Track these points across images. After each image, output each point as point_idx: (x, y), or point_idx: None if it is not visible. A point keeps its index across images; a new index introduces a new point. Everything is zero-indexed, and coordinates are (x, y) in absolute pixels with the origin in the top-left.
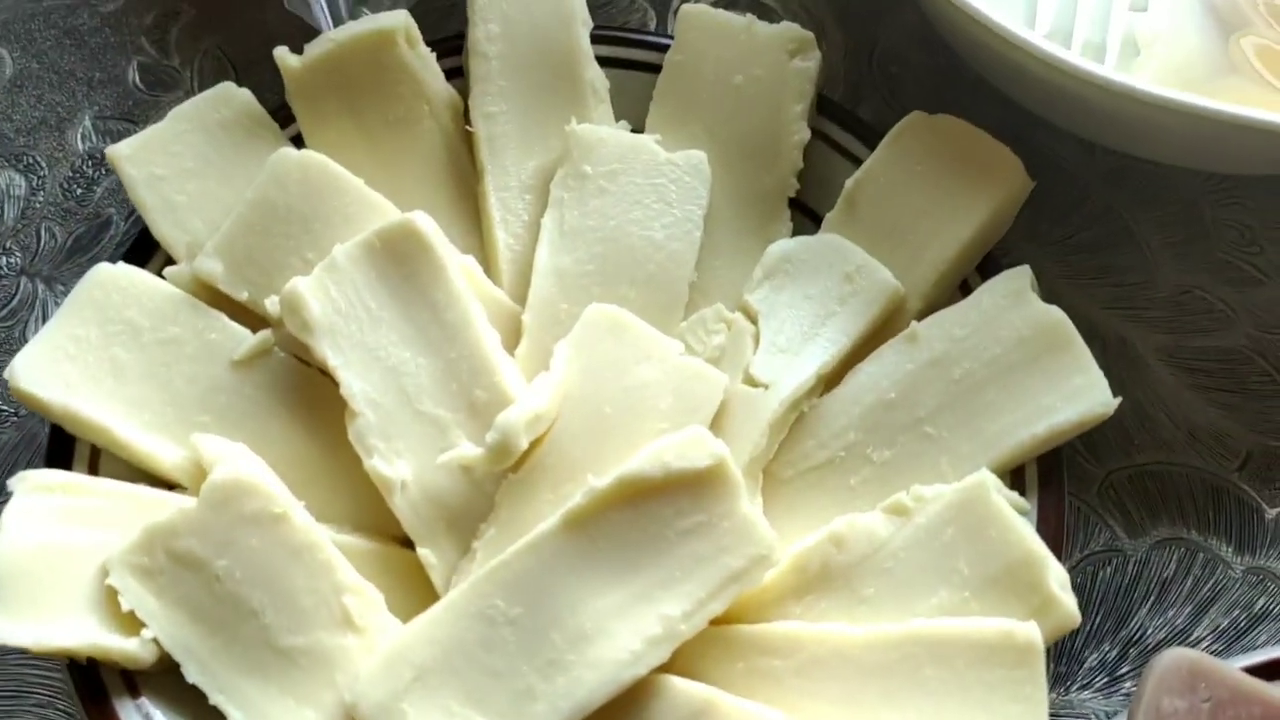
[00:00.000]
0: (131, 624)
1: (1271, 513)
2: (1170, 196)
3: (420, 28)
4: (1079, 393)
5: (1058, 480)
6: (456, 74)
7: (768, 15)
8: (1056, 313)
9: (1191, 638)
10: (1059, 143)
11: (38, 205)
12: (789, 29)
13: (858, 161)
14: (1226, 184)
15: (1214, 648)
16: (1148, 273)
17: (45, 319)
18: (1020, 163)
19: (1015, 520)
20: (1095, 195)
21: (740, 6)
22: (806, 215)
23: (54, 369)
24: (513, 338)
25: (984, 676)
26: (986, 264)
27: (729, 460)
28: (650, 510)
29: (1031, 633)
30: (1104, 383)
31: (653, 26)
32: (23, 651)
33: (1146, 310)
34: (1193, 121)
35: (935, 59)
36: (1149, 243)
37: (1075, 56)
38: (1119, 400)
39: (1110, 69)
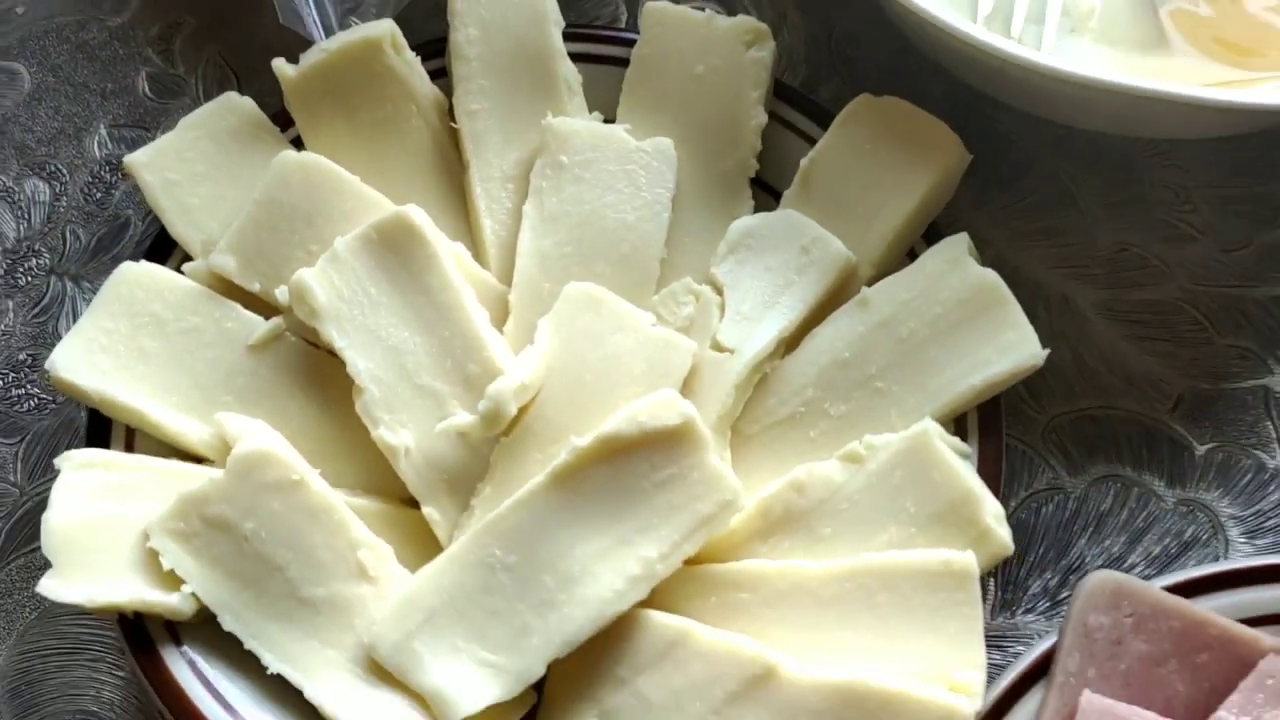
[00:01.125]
0: (172, 581)
1: (1201, 449)
2: (1109, 161)
3: (405, 30)
4: (1012, 346)
5: (996, 426)
6: (441, 74)
7: (731, 3)
8: (991, 275)
9: (1126, 564)
10: (1004, 114)
11: (61, 210)
12: (745, 22)
13: (812, 141)
14: (1162, 147)
15: (1147, 572)
16: (1088, 233)
17: (75, 314)
18: (958, 138)
19: (955, 463)
20: (1039, 163)
21: None
22: (767, 192)
23: (89, 359)
24: (500, 315)
25: (928, 600)
26: (931, 232)
27: (696, 418)
28: (628, 465)
29: (968, 560)
30: (1034, 336)
31: (624, 19)
32: (77, 611)
33: (1087, 268)
34: (1116, 97)
35: (890, 41)
36: (1089, 205)
37: (1007, 43)
38: (1048, 351)
39: (1048, 46)
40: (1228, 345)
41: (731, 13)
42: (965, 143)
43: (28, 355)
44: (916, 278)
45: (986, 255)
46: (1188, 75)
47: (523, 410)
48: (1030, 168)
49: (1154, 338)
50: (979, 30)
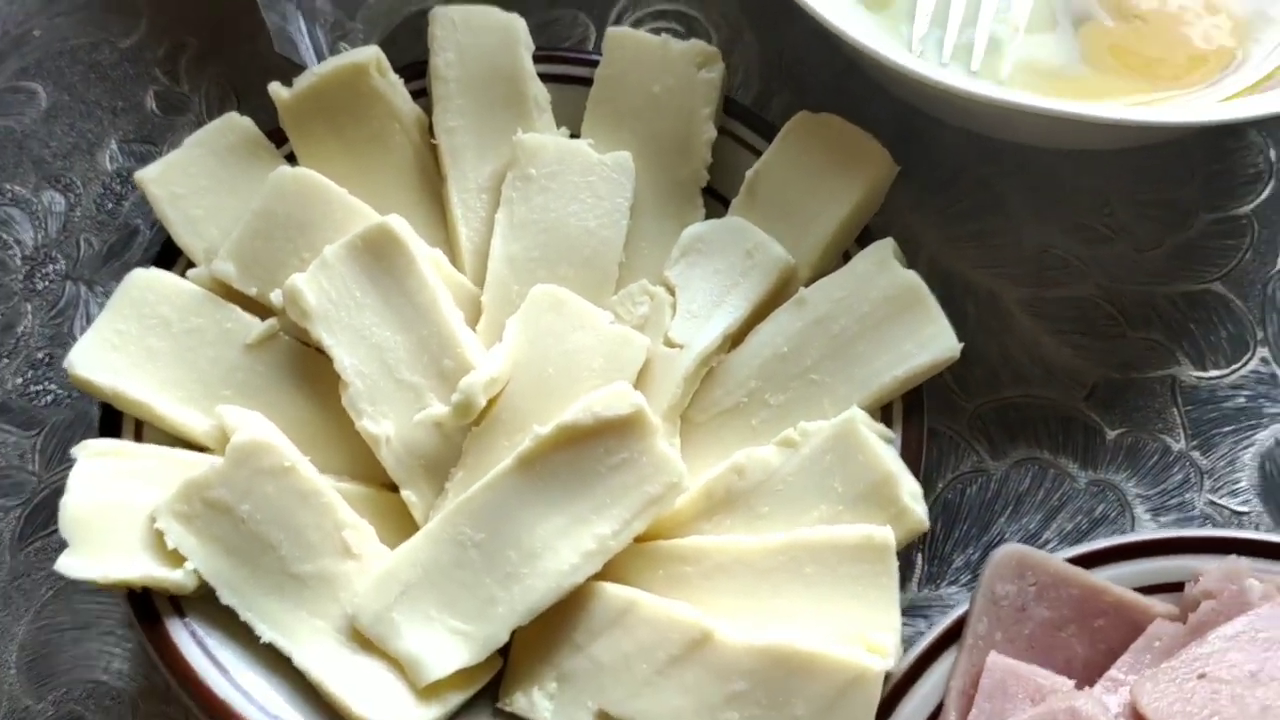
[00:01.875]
0: (176, 559)
1: (1112, 434)
2: (1034, 169)
3: (390, 53)
4: (931, 340)
5: (918, 413)
6: (422, 94)
7: (690, 22)
8: (912, 276)
9: (1041, 540)
10: (938, 127)
11: (76, 219)
12: (697, 45)
13: (758, 153)
14: (1083, 156)
15: (1059, 547)
16: (1014, 235)
17: (89, 316)
18: (886, 151)
19: (878, 447)
20: (969, 171)
21: (669, 18)
22: (718, 200)
23: (103, 358)
24: (475, 315)
25: (850, 570)
26: (865, 236)
27: (646, 408)
28: (585, 450)
29: (887, 535)
30: (951, 331)
31: (593, 39)
32: (89, 588)
33: (1012, 268)
34: (1029, 116)
35: (836, 60)
36: (1015, 210)
37: (927, 67)
38: (963, 345)
39: (976, 65)
40: (1139, 338)
41: (691, 31)
42: (902, 152)
43: (46, 354)
44: (848, 278)
45: (920, 256)
46: (1104, 91)
47: (492, 401)
48: (961, 175)
49: (1072, 331)
50: (909, 59)
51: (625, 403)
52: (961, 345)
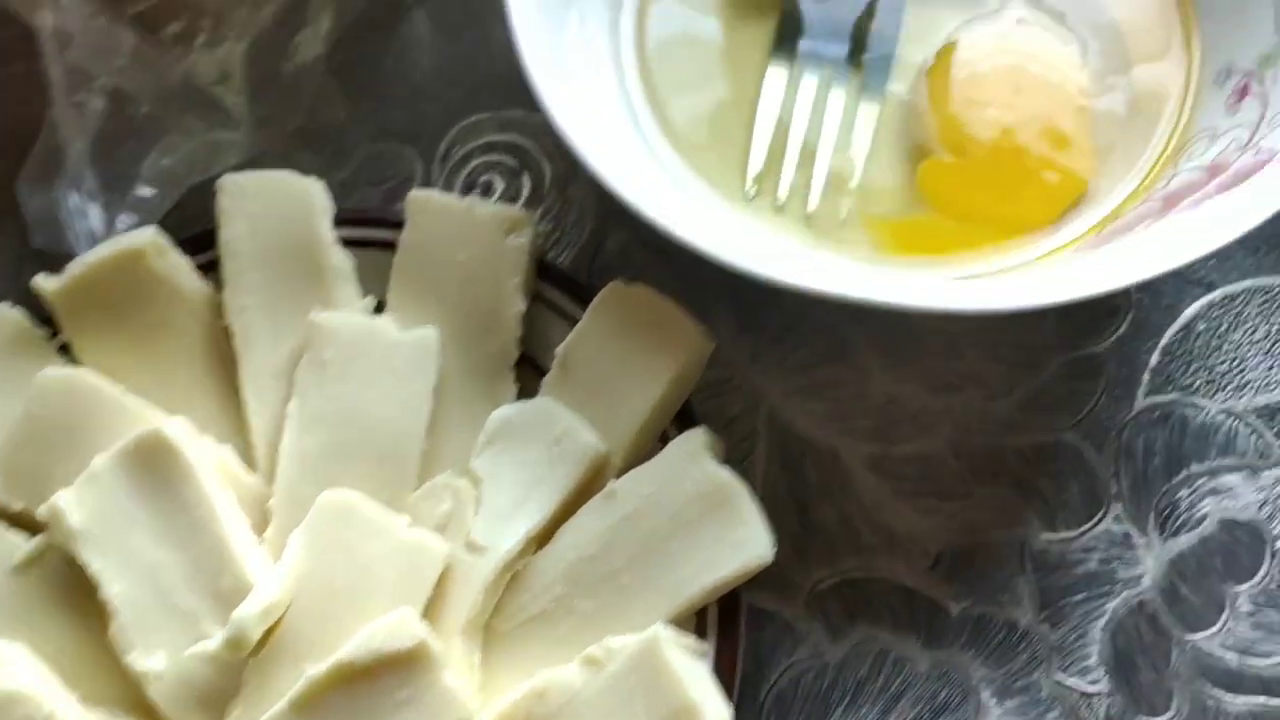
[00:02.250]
0: None
1: (956, 609)
2: (881, 313)
3: (180, 217)
4: (742, 544)
5: (733, 621)
6: (215, 266)
7: (523, 155)
8: (725, 473)
9: None
10: None
11: None
12: (503, 210)
13: (575, 323)
14: None
15: None
16: (859, 386)
17: None
18: (699, 328)
19: (679, 671)
20: (813, 317)
21: (500, 150)
22: (538, 374)
23: None
24: (266, 520)
25: None
26: (685, 416)
27: (429, 640)
28: (365, 688)
29: None
30: (763, 534)
31: (419, 174)
32: None
33: (856, 421)
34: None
35: None
36: (861, 358)
37: (731, 251)
38: (775, 549)
39: (812, 207)
40: (987, 496)
41: (524, 165)
42: (740, 298)
43: None
44: (659, 470)
45: (760, 411)
46: (941, 237)
47: (273, 627)
48: (804, 321)
49: (918, 492)
50: (706, 243)
51: (407, 635)
52: (775, 550)
